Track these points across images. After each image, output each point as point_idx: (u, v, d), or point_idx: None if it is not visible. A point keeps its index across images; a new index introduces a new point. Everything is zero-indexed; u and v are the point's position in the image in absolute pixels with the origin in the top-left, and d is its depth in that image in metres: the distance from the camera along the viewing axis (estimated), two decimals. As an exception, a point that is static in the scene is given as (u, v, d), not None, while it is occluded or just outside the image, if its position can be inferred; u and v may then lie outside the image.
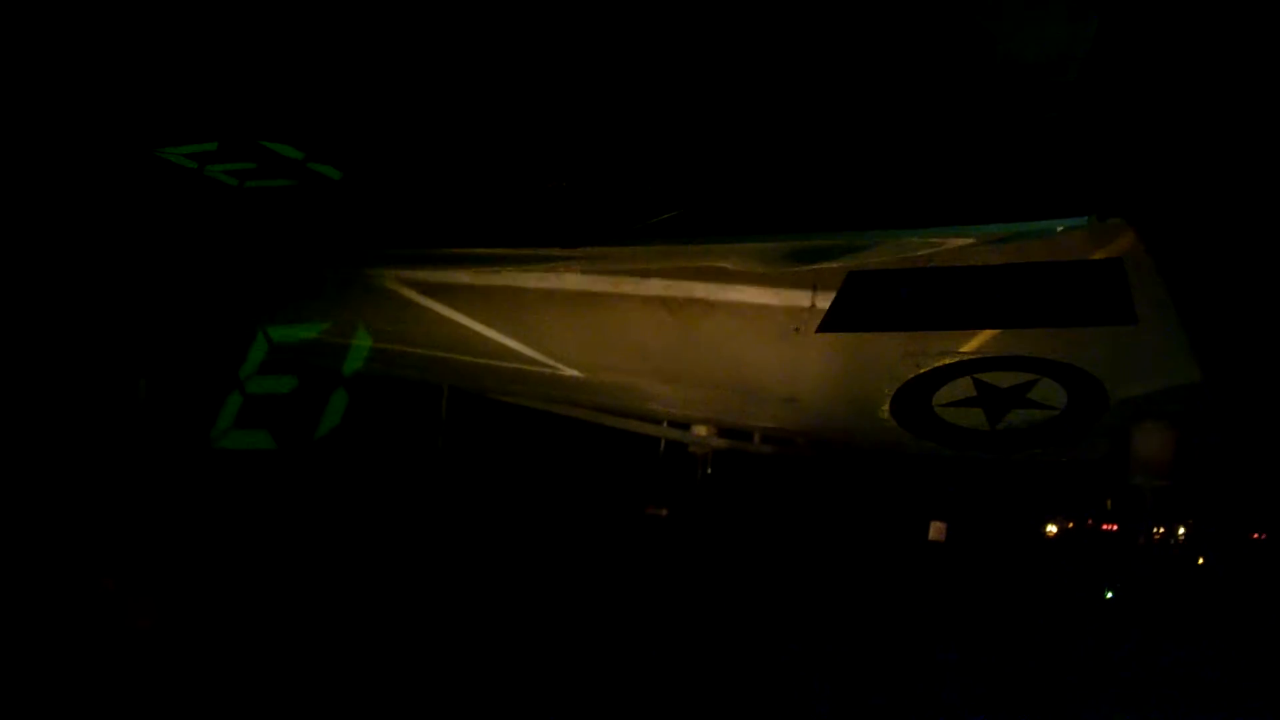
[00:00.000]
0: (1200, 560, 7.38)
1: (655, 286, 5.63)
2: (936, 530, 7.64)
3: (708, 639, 6.00)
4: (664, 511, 7.93)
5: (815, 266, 5.36)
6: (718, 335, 5.77)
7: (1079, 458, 6.42)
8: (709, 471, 7.76)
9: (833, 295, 5.45)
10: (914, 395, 5.76)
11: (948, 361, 5.55)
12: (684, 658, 5.77)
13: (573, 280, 5.66)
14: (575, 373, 6.49)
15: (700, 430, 7.62)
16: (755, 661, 5.78)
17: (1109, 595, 6.65)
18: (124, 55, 5.40)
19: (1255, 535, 7.40)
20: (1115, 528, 7.41)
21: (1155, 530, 6.97)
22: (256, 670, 5.13)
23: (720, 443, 7.62)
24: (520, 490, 7.57)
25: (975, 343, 5.50)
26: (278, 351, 6.09)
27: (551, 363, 6.39)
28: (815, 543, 7.53)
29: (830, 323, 5.52)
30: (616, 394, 6.93)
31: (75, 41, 5.38)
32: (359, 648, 5.48)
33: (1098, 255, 5.13)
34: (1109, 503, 7.39)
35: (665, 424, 7.61)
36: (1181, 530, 7.41)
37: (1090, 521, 7.70)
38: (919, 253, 5.35)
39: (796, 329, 5.59)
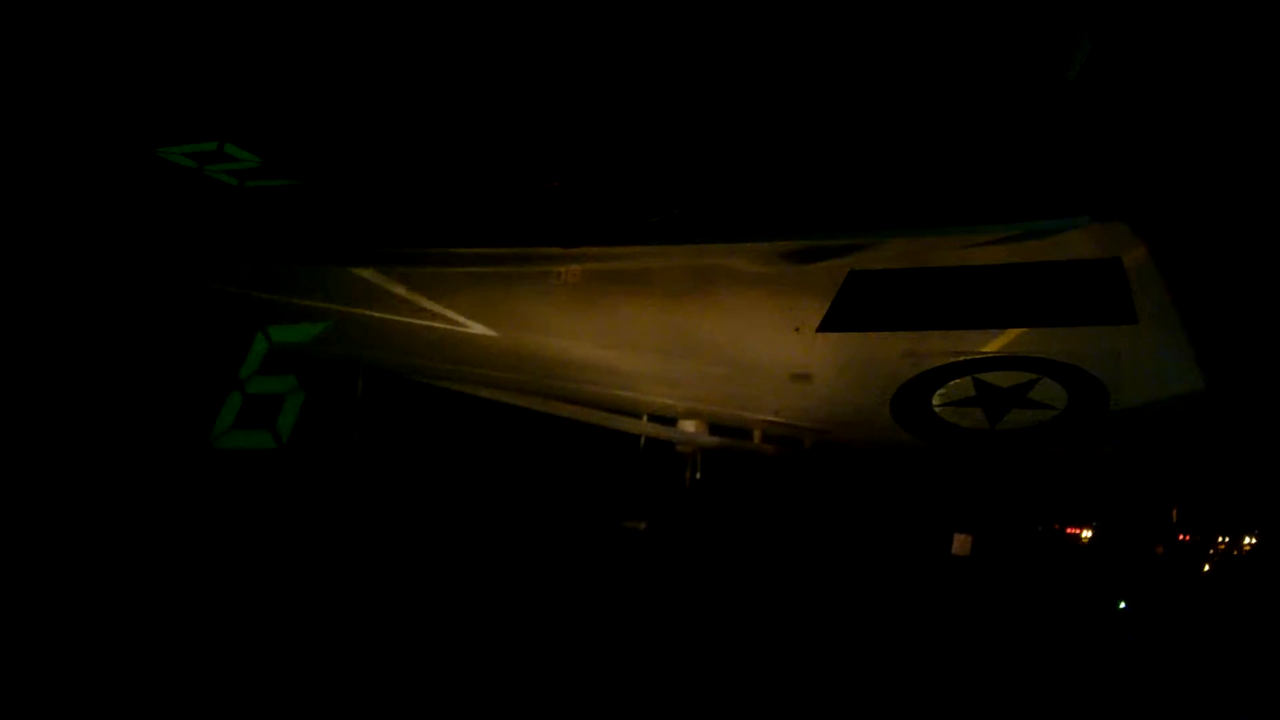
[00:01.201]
0: (1206, 568, 7.29)
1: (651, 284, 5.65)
2: (960, 544, 6.66)
3: (695, 680, 5.16)
4: (642, 525, 6.58)
5: (815, 266, 5.38)
6: (716, 331, 5.75)
7: (1083, 459, 6.38)
8: (698, 476, 6.71)
9: (832, 295, 5.46)
10: (913, 395, 5.74)
11: (948, 361, 5.54)
12: (667, 705, 4.97)
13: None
14: (485, 329, 5.72)
15: (688, 426, 6.50)
16: (750, 705, 4.99)
17: (1122, 606, 6.57)
18: (124, 55, 5.44)
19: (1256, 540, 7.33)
20: (1090, 532, 7.19)
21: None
22: (252, 669, 5.10)
23: (711, 440, 6.53)
24: (472, 498, 6.42)
25: (976, 343, 5.49)
26: (278, 349, 6.06)
27: (458, 318, 5.65)
28: (822, 559, 6.35)
29: (830, 323, 5.52)
30: (570, 371, 6.00)
31: (75, 41, 5.42)
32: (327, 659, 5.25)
33: (1098, 255, 5.15)
34: (1175, 512, 7.13)
35: (646, 418, 6.56)
36: (1187, 538, 7.32)
37: (1095, 531, 7.55)
38: (920, 253, 5.38)
39: (797, 329, 5.59)
